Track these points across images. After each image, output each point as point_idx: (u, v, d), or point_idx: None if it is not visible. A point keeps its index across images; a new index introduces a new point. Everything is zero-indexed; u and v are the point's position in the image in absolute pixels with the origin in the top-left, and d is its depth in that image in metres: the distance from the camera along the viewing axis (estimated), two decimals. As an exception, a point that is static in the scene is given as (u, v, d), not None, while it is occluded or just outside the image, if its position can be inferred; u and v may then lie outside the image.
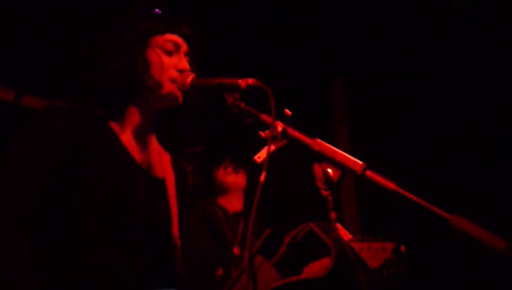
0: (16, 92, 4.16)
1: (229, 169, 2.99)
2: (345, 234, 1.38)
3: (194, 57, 1.85)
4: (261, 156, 1.51)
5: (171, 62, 1.72)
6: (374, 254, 1.50)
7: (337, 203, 1.40)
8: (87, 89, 1.69)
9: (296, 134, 1.50)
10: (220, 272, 1.43)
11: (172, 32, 1.75)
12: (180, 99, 1.72)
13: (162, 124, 1.83)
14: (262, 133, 1.52)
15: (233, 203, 2.95)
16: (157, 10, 1.84)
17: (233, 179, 2.97)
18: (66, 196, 1.52)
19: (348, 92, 4.68)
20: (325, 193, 1.41)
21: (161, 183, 1.75)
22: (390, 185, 1.36)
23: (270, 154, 1.46)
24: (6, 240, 1.43)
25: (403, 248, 1.55)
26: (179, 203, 1.78)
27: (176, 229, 1.72)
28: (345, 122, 4.63)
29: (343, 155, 1.43)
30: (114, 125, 1.69)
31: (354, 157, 1.42)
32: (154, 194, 1.69)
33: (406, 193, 1.34)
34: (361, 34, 4.15)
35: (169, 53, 1.73)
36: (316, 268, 1.35)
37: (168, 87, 1.70)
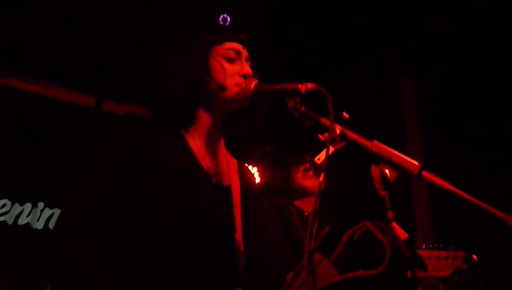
0: (96, 98, 4.44)
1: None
2: (401, 233, 1.42)
3: (255, 60, 1.94)
4: (320, 158, 1.58)
5: (234, 69, 1.83)
6: (444, 262, 1.53)
7: (394, 203, 1.44)
8: (158, 99, 1.80)
9: (354, 136, 1.56)
10: (289, 276, 1.51)
11: (231, 40, 1.85)
12: (247, 101, 1.81)
13: (230, 128, 1.93)
14: (321, 136, 1.58)
15: (310, 206, 2.92)
16: (222, 17, 1.95)
17: (313, 183, 2.84)
18: (134, 200, 1.63)
19: (418, 88, 4.60)
20: (382, 193, 1.46)
21: (227, 189, 1.84)
22: (446, 185, 1.39)
23: (328, 157, 1.51)
24: (83, 241, 1.54)
25: (474, 256, 1.57)
26: (244, 209, 1.86)
27: (239, 235, 1.80)
28: (415, 119, 4.55)
29: (400, 156, 1.47)
30: (184, 133, 1.81)
31: (410, 158, 1.45)
32: (219, 200, 1.78)
33: (462, 193, 1.36)
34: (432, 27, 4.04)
35: (231, 60, 1.83)
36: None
37: (233, 90, 1.80)
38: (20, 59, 4.16)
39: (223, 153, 1.91)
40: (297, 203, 2.92)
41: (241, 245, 1.79)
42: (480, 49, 4.00)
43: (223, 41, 1.83)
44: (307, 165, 2.84)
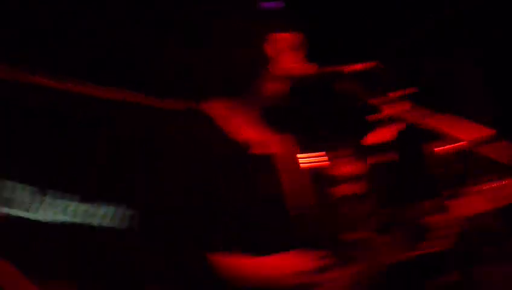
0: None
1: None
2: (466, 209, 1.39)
3: (308, 50, 1.94)
4: (374, 137, 1.58)
5: (286, 59, 1.83)
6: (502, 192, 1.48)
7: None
8: (204, 80, 1.82)
9: (413, 113, 1.54)
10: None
11: (285, 30, 1.85)
12: (292, 91, 1.82)
13: (274, 111, 1.93)
14: (375, 116, 1.58)
15: None
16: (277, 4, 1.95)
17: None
18: None
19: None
20: (439, 170, 1.45)
21: (267, 159, 1.85)
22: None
23: (386, 137, 1.51)
24: None
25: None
26: (292, 177, 1.86)
27: (290, 200, 1.80)
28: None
29: (470, 125, 1.43)
30: (218, 115, 1.82)
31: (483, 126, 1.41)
32: (264, 169, 1.80)
33: None
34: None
35: (285, 49, 1.83)
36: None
37: (281, 85, 1.81)
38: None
39: (264, 125, 1.92)
40: None
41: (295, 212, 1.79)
42: None
43: (279, 30, 1.84)
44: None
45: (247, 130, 1.83)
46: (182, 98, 1.87)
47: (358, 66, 1.65)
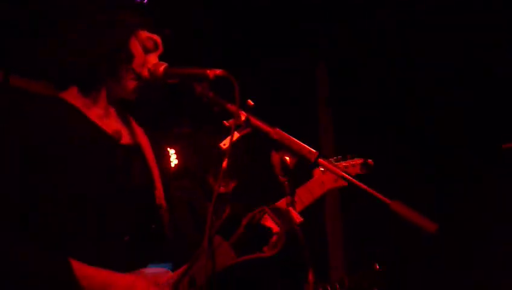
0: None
1: None
2: (296, 217, 1.50)
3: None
4: (226, 143, 1.62)
5: (147, 59, 1.81)
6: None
7: (292, 189, 1.51)
8: (63, 64, 1.75)
9: (258, 123, 1.61)
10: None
11: (155, 31, 1.83)
12: (135, 96, 1.81)
13: (135, 106, 1.92)
14: (226, 122, 1.62)
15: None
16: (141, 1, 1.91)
17: None
18: (47, 176, 1.61)
19: (331, 76, 4.77)
20: (281, 179, 1.53)
21: (137, 150, 1.85)
22: (339, 172, 1.48)
23: (233, 142, 1.56)
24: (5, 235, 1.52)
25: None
26: (161, 169, 1.88)
27: (160, 191, 1.82)
28: (327, 105, 4.72)
29: (299, 144, 1.54)
30: (81, 105, 1.77)
31: (308, 146, 1.53)
32: (131, 159, 1.79)
33: (352, 180, 1.45)
34: (346, 17, 4.21)
35: (148, 51, 1.82)
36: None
37: (136, 82, 1.79)
38: None
39: (126, 118, 1.91)
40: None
41: (163, 202, 1.81)
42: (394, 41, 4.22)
43: (149, 29, 1.81)
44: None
45: (111, 120, 1.80)
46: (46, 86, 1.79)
47: (213, 71, 1.68)
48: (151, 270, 1.67)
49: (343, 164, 1.77)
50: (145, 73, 1.79)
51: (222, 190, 1.47)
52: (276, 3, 4.00)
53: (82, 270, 1.53)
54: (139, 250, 1.68)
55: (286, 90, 4.47)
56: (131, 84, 1.79)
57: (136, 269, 1.64)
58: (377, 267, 2.55)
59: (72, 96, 1.80)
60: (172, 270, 1.73)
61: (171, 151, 3.04)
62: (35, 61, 1.85)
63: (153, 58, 1.83)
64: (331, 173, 1.48)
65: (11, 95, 1.73)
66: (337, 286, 2.47)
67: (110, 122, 1.82)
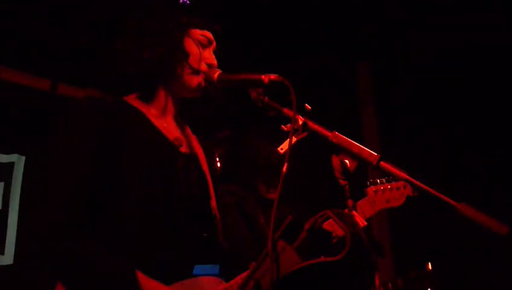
0: (52, 81, 4.33)
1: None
2: (360, 221, 1.49)
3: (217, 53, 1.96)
4: (283, 147, 1.62)
5: (203, 55, 1.84)
6: (395, 193, 1.64)
7: (353, 192, 1.51)
8: (122, 74, 1.79)
9: (316, 127, 1.61)
10: (252, 265, 1.56)
11: (207, 28, 1.86)
12: (200, 93, 1.83)
13: (189, 111, 1.95)
14: (284, 127, 1.63)
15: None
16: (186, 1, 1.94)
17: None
18: (109, 180, 1.63)
19: (373, 75, 4.72)
20: (342, 182, 1.52)
21: (195, 159, 1.87)
22: (403, 175, 1.46)
23: (291, 147, 1.56)
24: (74, 235, 1.54)
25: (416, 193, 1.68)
26: (213, 178, 1.90)
27: (214, 202, 1.83)
28: (371, 106, 4.67)
29: (359, 147, 1.53)
30: (145, 110, 1.81)
31: (369, 149, 1.52)
32: (190, 168, 1.81)
33: (417, 182, 1.44)
34: (385, 14, 4.16)
35: (203, 46, 1.85)
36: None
37: (198, 78, 1.82)
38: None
39: (183, 126, 1.94)
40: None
41: (216, 213, 1.83)
42: (431, 36, 4.14)
43: (201, 27, 1.85)
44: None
45: (171, 127, 1.84)
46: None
47: (267, 77, 1.68)
48: (205, 279, 1.67)
49: (394, 185, 1.75)
50: (204, 68, 1.81)
51: (275, 195, 1.48)
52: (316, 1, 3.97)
53: (143, 281, 1.55)
54: (192, 257, 1.69)
55: (327, 91, 4.44)
56: (192, 80, 1.82)
57: (187, 274, 1.65)
58: (430, 267, 2.51)
59: (134, 100, 1.84)
60: (221, 274, 1.74)
61: (216, 156, 3.07)
62: (95, 73, 1.89)
63: (208, 54, 1.86)
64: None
65: (89, 96, 1.76)
66: (390, 286, 2.44)
67: (171, 129, 1.85)
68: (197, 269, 1.67)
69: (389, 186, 1.71)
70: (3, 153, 4.17)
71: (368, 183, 1.77)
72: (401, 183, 1.68)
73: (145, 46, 1.76)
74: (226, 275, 1.75)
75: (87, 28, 3.94)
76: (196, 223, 1.73)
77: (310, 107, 1.61)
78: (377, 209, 1.75)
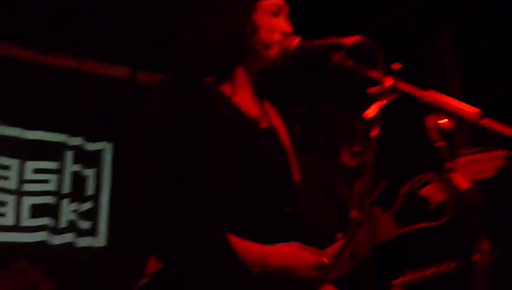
0: (131, 68, 4.45)
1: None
2: (462, 183, 1.39)
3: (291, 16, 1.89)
4: (371, 112, 1.54)
5: (276, 25, 1.78)
6: (487, 164, 1.52)
7: (452, 153, 1.41)
8: (195, 57, 1.78)
9: (407, 87, 1.51)
10: (339, 235, 1.51)
11: None
12: (285, 60, 1.78)
13: (267, 85, 1.91)
14: (371, 90, 1.55)
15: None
16: None
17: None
18: (194, 162, 1.64)
19: (457, 39, 4.45)
20: (440, 144, 1.43)
21: (275, 133, 1.84)
22: (510, 132, 1.34)
23: (382, 109, 1.48)
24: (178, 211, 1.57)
25: None
26: (294, 151, 1.86)
27: (297, 177, 1.80)
28: (454, 69, 4.42)
29: (457, 104, 1.42)
30: (222, 89, 1.80)
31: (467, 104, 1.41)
32: (272, 144, 1.79)
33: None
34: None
35: (275, 15, 1.79)
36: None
37: (275, 49, 1.77)
38: (50, 35, 4.17)
39: (262, 101, 1.90)
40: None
41: (301, 189, 1.80)
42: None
43: None
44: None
45: (249, 102, 1.82)
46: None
47: (350, 39, 1.61)
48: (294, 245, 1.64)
49: (486, 156, 1.61)
50: (278, 38, 1.76)
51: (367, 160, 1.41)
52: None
53: (239, 244, 1.54)
54: (277, 232, 1.66)
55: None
56: (267, 53, 1.78)
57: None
58: None
59: (210, 80, 1.82)
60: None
61: (296, 128, 3.03)
62: (173, 61, 1.89)
63: (281, 22, 1.80)
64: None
65: (173, 78, 1.77)
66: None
67: (249, 105, 1.83)
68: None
69: (480, 157, 1.57)
70: (92, 142, 4.37)
71: (458, 154, 1.64)
72: (492, 154, 1.54)
73: (213, 29, 1.74)
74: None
75: (163, 13, 4.00)
76: (279, 197, 1.70)
77: (399, 65, 1.51)
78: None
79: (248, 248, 1.55)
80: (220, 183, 1.63)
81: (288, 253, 1.57)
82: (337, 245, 1.51)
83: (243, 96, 1.83)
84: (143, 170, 1.64)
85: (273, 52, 1.77)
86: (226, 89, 1.81)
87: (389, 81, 1.53)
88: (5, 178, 4.01)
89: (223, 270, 1.52)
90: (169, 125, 1.64)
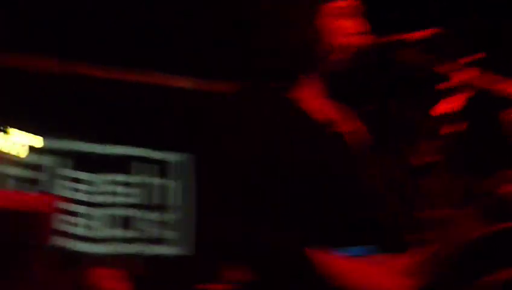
0: (202, 79, 4.55)
1: None
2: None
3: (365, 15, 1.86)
4: (443, 109, 1.50)
5: (345, 27, 1.76)
6: None
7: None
8: (272, 66, 1.79)
9: (486, 80, 1.45)
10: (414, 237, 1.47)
11: None
12: (356, 61, 1.75)
13: (338, 87, 1.89)
14: (440, 85, 1.50)
15: None
16: None
17: None
18: (270, 166, 1.62)
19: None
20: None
21: (347, 137, 1.81)
22: None
23: (459, 105, 1.43)
24: None
25: None
26: (367, 152, 1.83)
27: (366, 180, 1.76)
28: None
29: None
30: (295, 96, 1.79)
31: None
32: (345, 147, 1.76)
33: None
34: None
35: (344, 17, 1.76)
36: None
37: (343, 53, 1.75)
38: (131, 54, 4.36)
39: (335, 104, 1.88)
40: None
41: (374, 188, 1.76)
42: None
43: None
44: None
45: (324, 108, 1.81)
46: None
47: (420, 34, 1.56)
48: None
49: None
50: (348, 39, 1.73)
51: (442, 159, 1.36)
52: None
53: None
54: (352, 238, 1.63)
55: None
56: (337, 56, 1.75)
57: None
58: None
59: (282, 88, 1.83)
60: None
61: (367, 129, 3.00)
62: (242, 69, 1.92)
63: (351, 23, 1.76)
64: None
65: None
66: None
67: (322, 110, 1.81)
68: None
69: None
70: (177, 152, 4.54)
71: None
72: None
73: (279, 40, 1.74)
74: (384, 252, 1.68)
75: (227, 23, 4.06)
76: (350, 203, 1.68)
77: (482, 55, 1.44)
78: None
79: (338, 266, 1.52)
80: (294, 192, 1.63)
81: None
82: (415, 248, 1.46)
83: (316, 101, 1.82)
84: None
85: (341, 55, 1.75)
86: (299, 95, 1.81)
87: (460, 76, 1.47)
88: (107, 193, 4.23)
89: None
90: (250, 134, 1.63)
